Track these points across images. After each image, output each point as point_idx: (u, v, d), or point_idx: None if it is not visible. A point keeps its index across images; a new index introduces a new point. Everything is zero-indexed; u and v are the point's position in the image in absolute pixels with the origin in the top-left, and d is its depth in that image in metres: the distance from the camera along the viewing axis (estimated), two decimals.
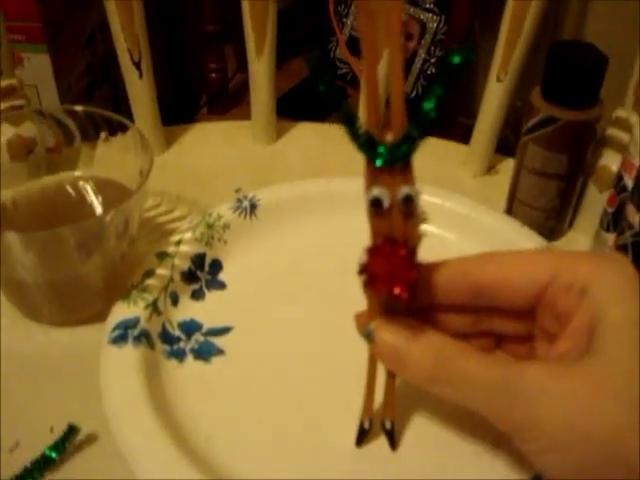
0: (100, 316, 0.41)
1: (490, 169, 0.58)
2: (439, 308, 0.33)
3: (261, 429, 0.36)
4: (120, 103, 0.75)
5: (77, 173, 0.45)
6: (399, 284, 0.28)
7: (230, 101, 0.97)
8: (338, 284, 0.43)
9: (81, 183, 0.44)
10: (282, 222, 0.48)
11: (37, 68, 0.64)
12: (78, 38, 0.71)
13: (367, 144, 0.27)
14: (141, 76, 0.54)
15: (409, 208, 0.28)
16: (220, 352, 0.40)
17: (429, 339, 0.30)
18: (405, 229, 0.28)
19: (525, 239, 0.46)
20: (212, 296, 0.44)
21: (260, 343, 0.41)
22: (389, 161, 0.27)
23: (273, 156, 0.59)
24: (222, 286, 0.45)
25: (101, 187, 0.44)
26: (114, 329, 0.39)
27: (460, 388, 0.29)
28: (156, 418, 0.34)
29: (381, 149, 0.27)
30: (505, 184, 0.53)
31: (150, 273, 0.42)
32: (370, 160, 0.27)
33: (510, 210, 0.51)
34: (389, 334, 0.31)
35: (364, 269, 0.29)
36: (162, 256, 0.43)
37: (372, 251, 0.29)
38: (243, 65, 0.77)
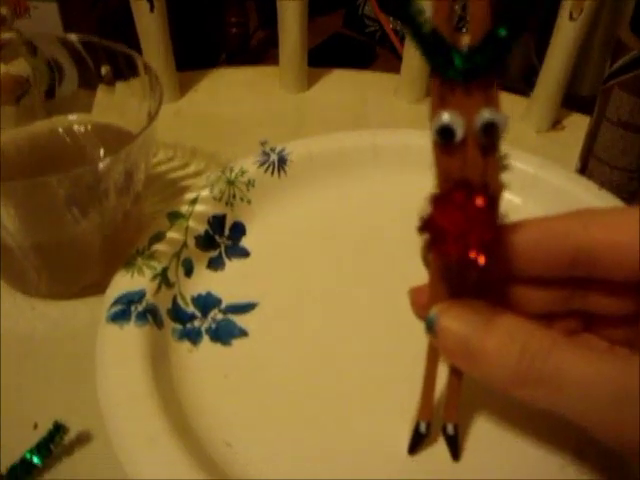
0: (98, 288, 0.34)
1: (555, 124, 0.51)
2: (519, 282, 0.26)
3: (293, 430, 0.30)
4: None
5: (73, 117, 0.38)
6: (476, 245, 0.21)
7: (251, 59, 0.91)
8: (382, 254, 0.38)
9: (78, 129, 0.37)
10: (316, 180, 0.42)
11: (44, 19, 0.57)
12: None
13: (435, 47, 0.20)
14: (152, 9, 0.47)
15: (491, 140, 0.21)
16: (243, 333, 0.34)
17: (511, 327, 0.23)
18: (484, 170, 0.22)
19: (603, 203, 0.39)
20: (233, 266, 0.37)
21: (290, 323, 0.34)
22: (465, 73, 0.20)
23: (304, 106, 0.52)
24: (245, 254, 0.38)
25: (102, 133, 0.38)
26: (114, 304, 0.32)
27: (556, 393, 0.22)
28: (163, 415, 0.28)
29: (455, 56, 0.20)
30: (573, 141, 0.47)
31: (159, 237, 0.35)
32: (438, 72, 0.21)
33: (584, 169, 0.44)
34: (456, 322, 0.24)
35: (427, 224, 0.22)
36: (174, 217, 0.36)
37: (439, 200, 0.22)
38: (265, 21, 0.74)
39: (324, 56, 0.78)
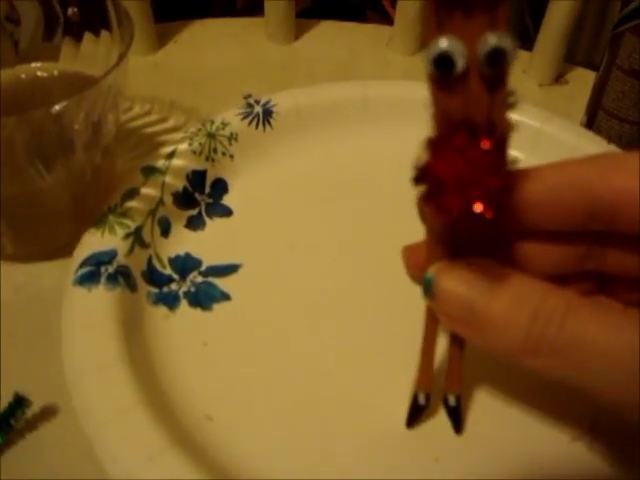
0: (68, 249, 0.31)
1: (558, 78, 0.48)
2: (529, 239, 0.23)
3: (279, 403, 0.27)
4: None
5: (38, 65, 0.35)
6: (481, 196, 0.18)
7: None
8: (374, 211, 0.35)
9: (41, 75, 0.34)
10: (303, 134, 0.39)
11: None
12: None
13: None
14: None
15: (498, 72, 0.18)
16: (224, 297, 0.31)
17: (521, 289, 0.21)
18: (490, 108, 0.18)
19: None
20: (214, 225, 0.34)
21: (275, 286, 0.32)
22: None
23: (291, 58, 0.49)
24: (227, 213, 0.35)
25: (69, 82, 0.34)
26: (82, 265, 0.29)
27: (574, 363, 0.20)
28: (135, 386, 0.25)
29: None
30: (577, 96, 0.45)
31: (133, 193, 0.32)
32: None
33: (591, 124, 0.41)
34: (458, 283, 0.21)
35: (423, 174, 0.19)
36: (149, 172, 0.33)
37: (436, 144, 0.19)
38: None
39: (312, 18, 0.76)
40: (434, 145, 0.19)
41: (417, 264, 0.23)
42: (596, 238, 0.23)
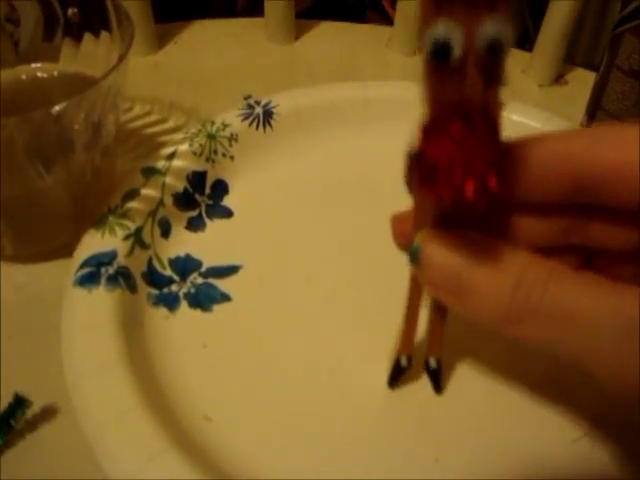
0: (68, 250, 0.31)
1: (558, 79, 0.48)
2: (516, 210, 0.23)
3: (278, 404, 0.27)
4: None
5: (38, 65, 0.35)
6: (475, 186, 0.18)
7: None
8: (374, 212, 0.34)
9: (41, 76, 0.34)
10: (303, 135, 0.39)
11: None
12: None
13: None
14: None
15: (495, 61, 0.17)
16: (225, 298, 0.31)
17: (505, 258, 0.21)
18: (485, 96, 0.18)
19: None
20: (214, 226, 0.34)
21: (275, 287, 0.32)
22: None
23: (291, 58, 0.49)
24: (228, 214, 0.35)
25: (69, 83, 0.34)
26: (82, 266, 0.29)
27: (555, 330, 0.20)
28: (135, 387, 0.25)
29: None
30: (577, 96, 0.44)
31: (133, 194, 0.32)
32: None
33: (591, 124, 0.41)
34: (444, 252, 0.21)
35: (416, 161, 0.19)
36: (149, 172, 0.33)
37: (430, 130, 0.18)
38: None
39: (312, 18, 0.76)
40: (427, 130, 0.18)
41: (404, 232, 0.24)
42: (582, 210, 0.23)
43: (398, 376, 0.27)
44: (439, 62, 0.17)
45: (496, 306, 0.20)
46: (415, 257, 0.22)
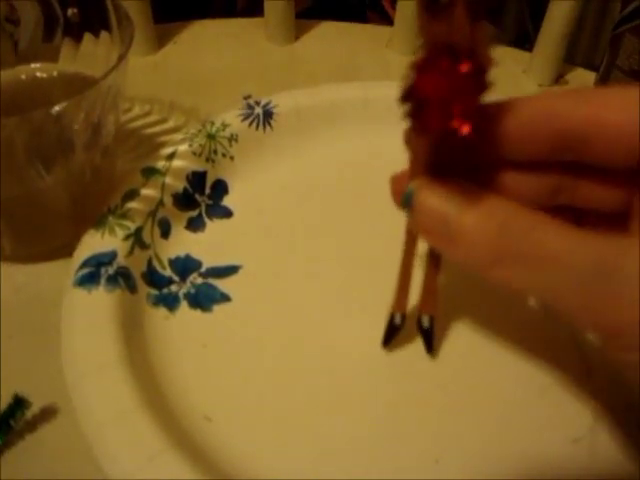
0: (68, 250, 0.31)
1: (558, 79, 0.48)
2: (506, 168, 0.25)
3: (277, 404, 0.27)
4: None
5: (36, 65, 0.34)
6: (459, 113, 0.20)
7: None
8: (373, 213, 0.35)
9: (41, 76, 0.34)
10: (303, 135, 0.38)
11: None
12: None
13: None
14: None
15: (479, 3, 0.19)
16: (224, 298, 0.31)
17: (493, 205, 0.22)
18: (472, 37, 0.20)
19: None
20: (214, 226, 0.34)
21: (275, 287, 0.32)
22: None
23: (291, 59, 0.49)
24: (227, 214, 0.35)
25: (69, 83, 0.34)
26: (82, 266, 0.29)
27: (535, 271, 0.21)
28: (135, 387, 0.25)
29: None
30: None
31: (132, 194, 0.32)
32: None
33: None
34: (436, 198, 0.22)
35: (408, 92, 0.20)
36: (149, 173, 0.33)
37: (422, 65, 0.20)
38: None
39: (312, 18, 0.76)
40: (419, 66, 0.20)
41: (400, 190, 0.24)
42: (569, 169, 0.24)
43: (392, 335, 0.28)
44: (430, 2, 0.19)
45: (482, 250, 0.21)
46: (408, 202, 0.23)
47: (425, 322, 0.28)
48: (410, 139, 0.24)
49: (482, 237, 0.21)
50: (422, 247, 0.26)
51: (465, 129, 0.20)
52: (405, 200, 0.23)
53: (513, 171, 0.24)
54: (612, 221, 0.25)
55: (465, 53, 0.20)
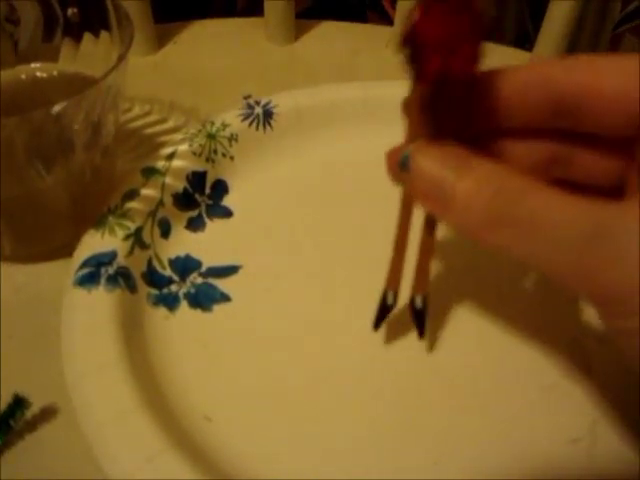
0: (68, 250, 0.31)
1: None
2: (502, 136, 0.25)
3: (278, 404, 0.27)
4: None
5: (36, 65, 0.34)
6: (458, 56, 0.21)
7: None
8: (374, 212, 0.35)
9: (41, 75, 0.34)
10: (303, 135, 0.38)
11: None
12: None
13: None
14: None
15: None
16: (225, 298, 0.31)
17: (488, 170, 0.22)
18: None
19: None
20: (214, 226, 0.34)
21: (275, 287, 0.32)
22: None
23: (291, 59, 0.49)
24: (227, 214, 0.35)
25: (69, 83, 0.34)
26: (82, 266, 0.29)
27: (530, 236, 0.21)
28: (135, 387, 0.25)
29: None
30: None
31: (132, 194, 0.32)
32: None
33: None
34: (431, 161, 0.22)
35: (408, 36, 0.21)
36: (149, 173, 0.33)
37: (423, 8, 0.21)
38: None
39: (312, 18, 0.76)
40: (421, 9, 0.20)
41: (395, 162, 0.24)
42: (563, 139, 0.24)
43: (384, 315, 0.28)
44: None
45: (477, 214, 0.21)
46: (405, 165, 0.23)
47: (418, 302, 0.27)
48: (408, 103, 0.24)
49: (477, 201, 0.21)
50: (417, 220, 0.26)
51: (462, 71, 0.20)
52: (402, 163, 0.23)
53: (509, 139, 0.25)
54: (612, 192, 0.24)
55: (464, 3, 0.20)
